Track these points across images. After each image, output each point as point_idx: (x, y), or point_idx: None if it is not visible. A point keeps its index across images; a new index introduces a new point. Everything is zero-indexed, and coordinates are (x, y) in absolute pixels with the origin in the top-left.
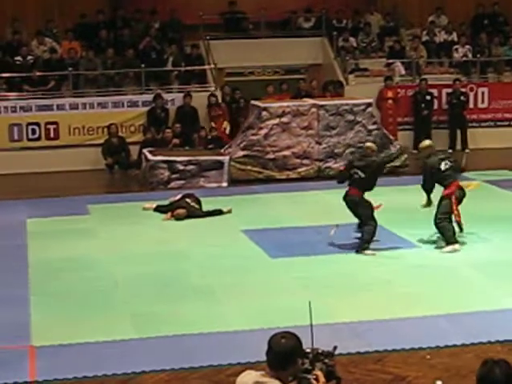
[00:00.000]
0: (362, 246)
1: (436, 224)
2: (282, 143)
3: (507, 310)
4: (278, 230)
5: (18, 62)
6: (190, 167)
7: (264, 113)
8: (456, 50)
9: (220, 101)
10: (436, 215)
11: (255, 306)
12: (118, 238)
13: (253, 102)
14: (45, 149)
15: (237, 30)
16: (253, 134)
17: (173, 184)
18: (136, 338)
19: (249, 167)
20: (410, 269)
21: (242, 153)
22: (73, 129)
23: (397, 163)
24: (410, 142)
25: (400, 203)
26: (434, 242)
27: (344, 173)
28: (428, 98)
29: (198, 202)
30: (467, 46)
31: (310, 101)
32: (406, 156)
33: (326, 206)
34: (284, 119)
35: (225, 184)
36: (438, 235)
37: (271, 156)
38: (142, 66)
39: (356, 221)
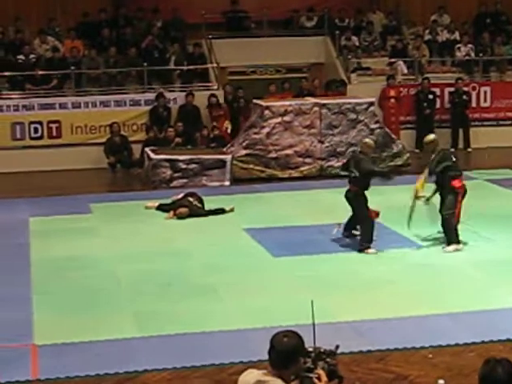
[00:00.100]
0: (362, 246)
1: (443, 218)
2: (284, 142)
3: (509, 308)
4: (280, 228)
5: (20, 61)
6: (193, 166)
7: (266, 112)
8: (458, 48)
9: (222, 100)
10: (441, 208)
11: (257, 305)
12: (120, 237)
13: (255, 100)
14: (47, 147)
15: (239, 29)
16: (255, 133)
17: (175, 183)
18: (138, 337)
19: (251, 166)
20: (413, 268)
21: (244, 152)
22: (75, 127)
23: (399, 162)
24: (412, 141)
25: (402, 202)
26: (436, 241)
27: (342, 166)
28: (430, 97)
29: (201, 201)
30: (470, 45)
31: (313, 100)
32: (408, 155)
33: (329, 205)
34: (286, 118)
35: (227, 183)
36: (441, 234)
37: (273, 155)
38: (145, 64)
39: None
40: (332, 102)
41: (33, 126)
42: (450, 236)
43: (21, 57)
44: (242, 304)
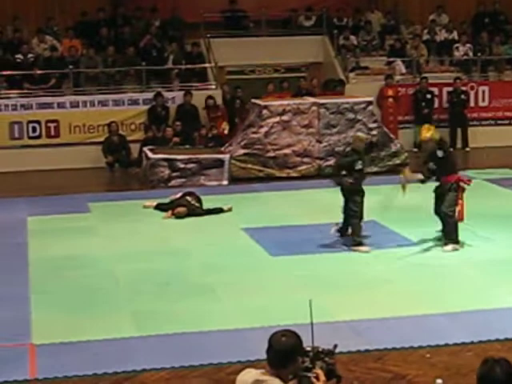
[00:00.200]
0: (352, 243)
1: (445, 216)
2: (282, 141)
3: (507, 308)
4: (278, 228)
5: (18, 60)
6: (191, 165)
7: (265, 111)
8: (457, 48)
9: (221, 99)
10: (443, 205)
11: (255, 304)
12: (118, 236)
13: (253, 100)
14: (45, 147)
15: (237, 29)
16: (253, 133)
17: (173, 182)
18: (136, 336)
19: (249, 165)
20: (411, 267)
21: (242, 151)
22: (73, 127)
23: (397, 161)
24: (410, 140)
25: (400, 201)
26: (434, 241)
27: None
28: (428, 96)
29: (199, 200)
30: (468, 45)
31: (311, 99)
32: (406, 154)
33: (327, 205)
34: (284, 117)
35: (225, 182)
36: (439, 234)
37: (272, 154)
38: (143, 64)
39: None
40: (330, 101)
41: (31, 125)
42: (450, 235)
43: (19, 56)
44: (240, 303)
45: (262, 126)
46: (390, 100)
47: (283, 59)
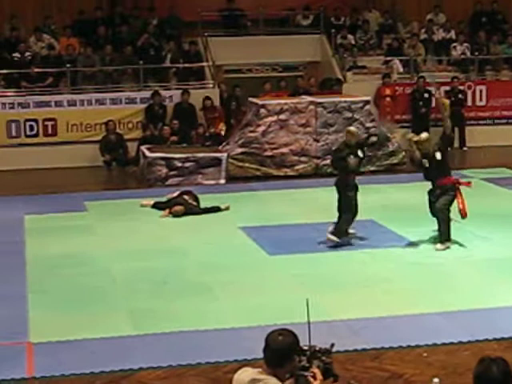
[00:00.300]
0: (332, 230)
1: (438, 215)
2: (279, 140)
3: (504, 307)
4: (275, 227)
5: (15, 59)
6: (188, 164)
7: (262, 110)
8: (454, 47)
9: (218, 98)
10: (437, 204)
11: (252, 303)
12: (115, 235)
13: (251, 99)
14: (42, 145)
15: (235, 27)
16: (251, 131)
17: (170, 181)
18: (133, 335)
19: (246, 164)
20: (408, 266)
21: (239, 150)
22: (71, 125)
23: (394, 161)
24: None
25: (398, 201)
26: (431, 240)
27: None
28: (426, 95)
29: (196, 199)
30: (465, 44)
31: (308, 98)
32: (403, 154)
33: (324, 204)
34: (282, 116)
35: (222, 181)
36: (436, 233)
37: (269, 153)
38: (140, 62)
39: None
40: (328, 100)
41: (28, 123)
42: (443, 234)
43: (16, 54)
44: (237, 302)
45: (259, 125)
46: (388, 99)
47: (281, 58)
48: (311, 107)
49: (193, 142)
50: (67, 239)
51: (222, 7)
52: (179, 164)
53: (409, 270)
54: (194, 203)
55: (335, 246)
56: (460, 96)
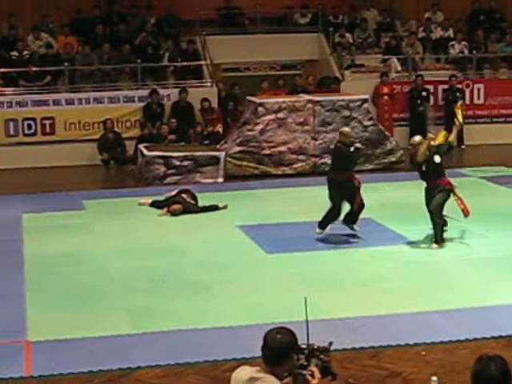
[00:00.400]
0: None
1: (432, 214)
2: (277, 139)
3: (502, 306)
4: (273, 225)
5: (14, 57)
6: (186, 163)
7: (260, 108)
8: (452, 46)
9: (216, 97)
10: (431, 204)
11: (251, 302)
12: (113, 234)
13: (249, 97)
14: (41, 144)
15: (233, 26)
16: (249, 130)
17: (169, 179)
18: (132, 334)
19: (245, 163)
20: (406, 265)
21: (237, 148)
22: (69, 124)
23: (392, 159)
24: (405, 138)
25: (396, 199)
26: (429, 239)
27: None
28: (424, 94)
29: (194, 198)
30: (463, 43)
31: (306, 96)
32: (401, 152)
33: (322, 202)
34: (280, 115)
35: (221, 179)
36: (432, 231)
37: (267, 152)
38: (138, 61)
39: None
40: (326, 98)
41: (26, 122)
42: (436, 233)
43: (14, 53)
44: (236, 301)
45: (257, 124)
46: (386, 97)
47: (278, 57)
48: (309, 106)
49: (191, 140)
50: (65, 238)
51: (220, 6)
52: (177, 162)
53: (407, 268)
54: (192, 202)
55: (333, 243)
56: (458, 94)
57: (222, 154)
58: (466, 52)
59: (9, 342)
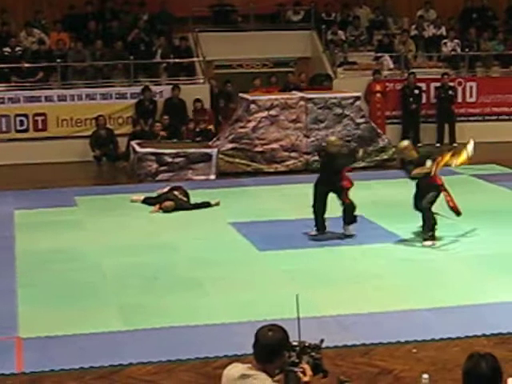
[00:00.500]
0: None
1: (424, 212)
2: (270, 136)
3: (493, 303)
4: (265, 222)
5: (6, 54)
6: (178, 159)
7: (252, 106)
8: (445, 44)
9: (208, 94)
10: (423, 201)
11: (243, 299)
12: (105, 230)
13: (241, 94)
14: (33, 140)
15: (226, 23)
16: (241, 127)
17: (161, 176)
18: (123, 330)
19: (237, 160)
20: (398, 262)
21: (230, 145)
22: (61, 120)
23: (384, 157)
24: (398, 135)
25: (388, 197)
26: (421, 236)
27: None
28: (416, 91)
29: (186, 195)
30: (456, 41)
31: (299, 94)
32: (393, 150)
33: None
34: (272, 112)
35: (213, 177)
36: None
37: (259, 149)
38: (131, 58)
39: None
40: (318, 96)
41: (18, 118)
42: (429, 230)
43: (7, 49)
44: (228, 298)
45: (249, 121)
46: (378, 95)
47: (271, 54)
48: (301, 103)
49: (183, 137)
50: (57, 234)
51: (213, 3)
52: (169, 159)
53: (399, 266)
54: (184, 199)
55: (325, 241)
56: (450, 92)
57: (214, 151)
58: (459, 50)
59: (0, 339)
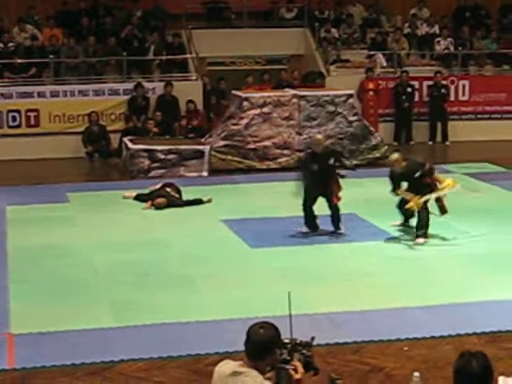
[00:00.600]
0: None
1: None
2: (262, 133)
3: (485, 302)
4: (257, 219)
5: None
6: (171, 156)
7: (245, 103)
8: (438, 42)
9: (201, 91)
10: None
11: (234, 296)
12: (97, 226)
13: (234, 91)
14: (25, 136)
15: (219, 20)
16: (234, 124)
17: (153, 173)
18: (115, 327)
19: (229, 157)
20: (389, 260)
21: (222, 142)
22: (53, 116)
23: (377, 154)
24: (390, 133)
25: (380, 195)
26: (413, 234)
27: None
28: (409, 90)
29: (178, 192)
30: (449, 39)
31: (291, 91)
32: (386, 148)
33: None
34: (265, 109)
35: (205, 173)
36: (409, 228)
37: (252, 146)
38: (124, 54)
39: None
40: (311, 93)
41: (11, 114)
42: (422, 228)
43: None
44: (219, 295)
45: (242, 118)
46: (371, 93)
47: (264, 51)
48: (294, 100)
49: (176, 134)
50: (49, 230)
51: (207, 0)
52: (162, 156)
53: (391, 264)
54: (177, 195)
55: (317, 238)
56: (443, 91)
57: (206, 148)
58: (452, 48)
59: None
